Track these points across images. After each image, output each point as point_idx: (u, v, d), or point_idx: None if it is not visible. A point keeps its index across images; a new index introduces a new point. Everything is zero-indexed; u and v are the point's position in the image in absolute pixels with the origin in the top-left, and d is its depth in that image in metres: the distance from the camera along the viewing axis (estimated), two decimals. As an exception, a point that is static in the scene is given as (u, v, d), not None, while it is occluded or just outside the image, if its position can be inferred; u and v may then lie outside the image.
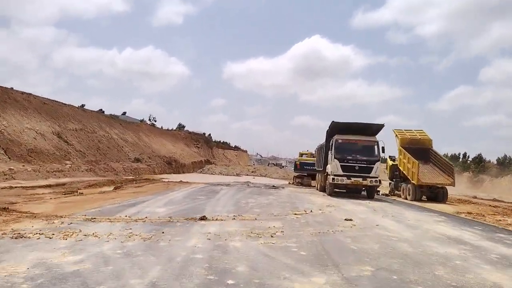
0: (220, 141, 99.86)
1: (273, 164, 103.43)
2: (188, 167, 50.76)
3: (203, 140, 69.67)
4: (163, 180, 32.26)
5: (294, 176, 36.60)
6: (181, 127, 71.69)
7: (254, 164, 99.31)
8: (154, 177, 34.83)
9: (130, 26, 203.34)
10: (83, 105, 45.44)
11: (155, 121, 61.14)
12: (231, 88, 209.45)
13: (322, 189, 25.25)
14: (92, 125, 40.23)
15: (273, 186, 29.92)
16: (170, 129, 67.31)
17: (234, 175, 52.79)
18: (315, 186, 31.71)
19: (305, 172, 33.17)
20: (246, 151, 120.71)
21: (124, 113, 61.23)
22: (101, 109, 45.77)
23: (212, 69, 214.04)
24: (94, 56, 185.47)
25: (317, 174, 28.30)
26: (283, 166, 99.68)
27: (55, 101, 38.07)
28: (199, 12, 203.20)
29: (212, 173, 51.10)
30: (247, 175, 56.64)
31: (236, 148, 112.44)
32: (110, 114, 49.57)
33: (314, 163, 32.29)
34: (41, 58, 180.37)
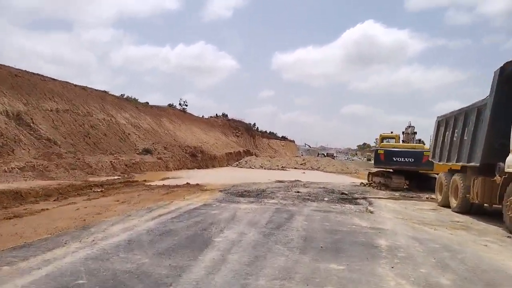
0: (265, 131, 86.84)
1: (323, 154, 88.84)
2: (220, 160, 38.24)
3: (243, 128, 57.12)
4: (163, 181, 19.70)
5: (370, 173, 22.61)
6: (223, 115, 59.38)
7: (302, 155, 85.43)
8: (158, 175, 22.33)
9: (181, 22, 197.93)
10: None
11: (186, 105, 49.20)
12: (280, 79, 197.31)
13: (466, 208, 11.18)
14: (89, 106, 28.51)
15: (344, 193, 16.23)
16: (206, 116, 55.27)
17: (279, 168, 39.42)
18: (411, 192, 17.85)
19: (393, 167, 19.07)
20: (293, 141, 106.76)
21: (171, 105, 49.79)
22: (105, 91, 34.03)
23: (260, 61, 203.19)
24: (149, 54, 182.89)
25: (439, 177, 13.90)
26: (334, 157, 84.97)
27: (35, 73, 26.62)
28: (248, 4, 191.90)
29: (251, 167, 38.12)
30: (295, 168, 43.05)
31: (283, 138, 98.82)
32: (125, 96, 37.89)
33: (413, 153, 18.42)
34: (100, 58, 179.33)
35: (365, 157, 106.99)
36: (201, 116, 53.46)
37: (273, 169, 38.06)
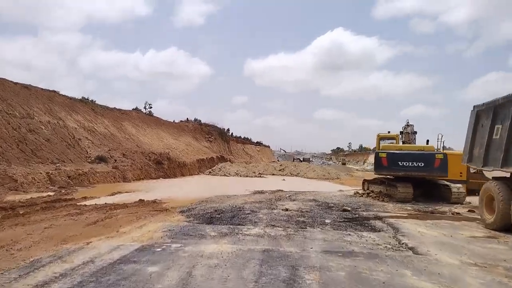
0: (240, 136, 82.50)
1: (299, 159, 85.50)
2: (191, 167, 33.63)
3: (216, 133, 52.55)
4: (112, 198, 15.17)
5: (366, 180, 18.79)
6: (195, 120, 54.24)
7: (278, 160, 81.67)
8: (109, 189, 17.61)
9: (152, 28, 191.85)
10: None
11: (151, 107, 44.15)
12: (253, 85, 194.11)
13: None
14: (30, 107, 23.40)
15: (346, 210, 12.16)
16: (177, 121, 50.36)
17: (256, 175, 35.21)
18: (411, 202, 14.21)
19: (399, 174, 15.22)
20: (269, 146, 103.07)
21: (136, 108, 44.33)
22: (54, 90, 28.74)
23: (233, 67, 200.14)
24: (119, 59, 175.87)
25: (487, 188, 9.82)
26: (310, 161, 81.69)
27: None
28: (220, 11, 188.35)
29: (225, 174, 33.72)
30: (274, 174, 39.02)
31: (258, 143, 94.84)
32: (82, 98, 32.67)
33: (422, 156, 14.83)
34: (68, 63, 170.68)
35: (339, 161, 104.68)
36: (171, 120, 48.64)
37: (249, 177, 33.83)
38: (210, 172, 34.75)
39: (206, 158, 38.84)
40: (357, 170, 64.09)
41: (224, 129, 57.57)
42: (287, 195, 17.05)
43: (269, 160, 74.52)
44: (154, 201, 13.46)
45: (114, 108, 35.83)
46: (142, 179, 24.22)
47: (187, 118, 51.90)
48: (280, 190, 20.94)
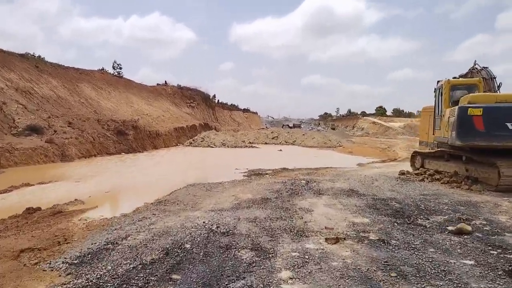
0: (226, 103, 75.08)
1: (288, 125, 79.03)
2: (167, 137, 26.75)
3: (200, 98, 45.08)
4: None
5: (417, 153, 12.32)
6: (178, 86, 45.77)
7: (267, 127, 74.98)
8: (22, 176, 10.75)
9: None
10: None
11: (120, 67, 36.24)
12: (239, 51, 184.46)
13: None
14: None
15: (464, 229, 5.34)
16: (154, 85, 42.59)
17: (246, 145, 28.60)
18: None
19: (508, 142, 8.53)
20: (256, 113, 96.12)
21: (102, 69, 36.06)
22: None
23: (219, 32, 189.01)
24: (100, 26, 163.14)
25: None
26: (301, 127, 75.20)
27: None
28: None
29: (209, 145, 27.02)
30: (266, 143, 32.53)
31: (246, 110, 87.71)
32: (25, 53, 24.86)
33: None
34: (48, 31, 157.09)
35: (328, 127, 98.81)
36: (147, 84, 40.94)
37: (239, 147, 27.26)
38: (191, 143, 27.96)
39: (187, 126, 31.88)
40: (352, 134, 58.13)
41: (208, 94, 50.24)
42: (302, 181, 10.49)
43: (257, 127, 67.80)
44: (58, 212, 6.77)
45: (69, 67, 28.17)
46: (94, 155, 17.41)
47: (165, 81, 44.30)
48: (284, 168, 14.40)
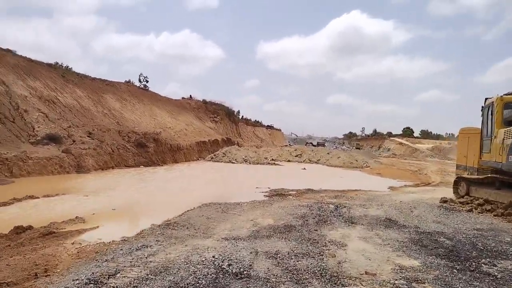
0: (250, 119, 74.43)
1: (311, 144, 77.46)
2: (188, 151, 26.10)
3: (223, 112, 44.63)
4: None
5: (461, 179, 10.86)
6: (203, 101, 45.24)
7: (290, 144, 73.71)
8: (30, 186, 10.09)
9: (166, 10, 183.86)
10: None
11: (147, 81, 36.30)
12: (265, 69, 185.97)
13: None
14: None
15: None
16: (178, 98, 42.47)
17: (268, 162, 27.53)
18: None
19: None
20: (280, 130, 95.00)
21: (128, 81, 36.29)
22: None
23: (246, 50, 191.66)
24: (132, 42, 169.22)
25: None
26: (325, 145, 73.38)
27: None
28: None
29: (230, 161, 26.12)
30: (289, 160, 31.32)
31: (270, 126, 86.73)
32: (55, 62, 25.05)
33: None
34: (82, 46, 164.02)
35: (353, 146, 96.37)
36: (172, 98, 40.85)
37: (261, 164, 26.19)
38: (212, 158, 27.17)
39: (209, 140, 31.21)
40: (379, 155, 55.95)
41: (232, 109, 49.70)
42: (330, 205, 9.29)
43: (281, 144, 66.74)
44: (50, 233, 5.90)
45: (96, 78, 28.21)
46: (111, 167, 16.81)
47: (190, 95, 44.14)
48: (309, 189, 13.20)
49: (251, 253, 5.02)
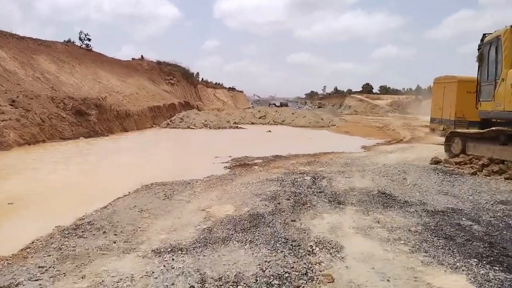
0: (211, 81, 70.74)
1: (274, 104, 75.57)
2: (140, 118, 23.24)
3: (180, 74, 41.10)
4: None
5: (454, 133, 9.04)
6: (161, 63, 40.85)
7: (253, 106, 71.40)
8: None
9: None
10: None
11: (89, 39, 31.87)
12: (224, 28, 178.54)
13: None
14: None
15: None
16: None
17: (231, 126, 25.34)
18: None
19: None
20: (242, 92, 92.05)
21: (68, 41, 31.19)
22: None
23: (203, 8, 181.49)
24: (79, 2, 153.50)
25: None
26: (288, 106, 71.83)
27: None
28: None
29: (189, 126, 23.63)
30: (253, 123, 29.28)
31: (232, 88, 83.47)
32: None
33: None
34: (23, 7, 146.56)
35: (315, 105, 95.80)
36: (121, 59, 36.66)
37: (222, 128, 23.96)
38: (168, 124, 24.46)
39: (164, 105, 28.28)
40: (341, 112, 55.20)
41: (189, 69, 46.01)
42: (305, 176, 7.36)
43: (244, 106, 64.23)
44: None
45: (25, 37, 23.99)
46: (42, 141, 13.89)
47: (142, 56, 40.00)
48: (277, 156, 11.24)
49: (195, 280, 2.95)
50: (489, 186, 6.18)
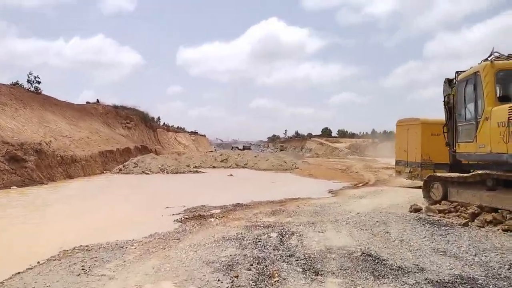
0: (173, 125, 69.15)
1: (237, 148, 74.67)
2: (88, 164, 21.04)
3: (138, 118, 39.22)
4: None
5: (434, 177, 8.03)
6: (118, 106, 38.70)
7: (216, 150, 70.02)
8: None
9: (76, 14, 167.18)
10: None
11: (39, 82, 29.65)
12: (186, 75, 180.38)
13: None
14: None
15: None
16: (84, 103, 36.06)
17: (190, 170, 23.67)
18: None
19: None
20: (205, 136, 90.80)
21: (15, 83, 28.53)
22: None
23: (166, 56, 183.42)
24: (39, 47, 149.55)
25: None
26: (251, 149, 71.11)
27: None
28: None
29: (144, 171, 21.67)
30: (214, 167, 27.80)
31: (194, 132, 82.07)
32: None
33: None
34: None
35: (277, 148, 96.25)
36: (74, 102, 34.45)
37: (181, 173, 22.24)
38: (120, 170, 22.35)
39: (118, 149, 26.22)
40: (302, 155, 55.00)
41: (148, 113, 44.25)
42: (271, 233, 5.97)
43: (206, 150, 62.63)
44: None
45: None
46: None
47: (97, 100, 37.99)
48: (237, 204, 9.80)
49: None
50: (491, 242, 5.10)
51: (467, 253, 4.67)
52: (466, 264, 4.27)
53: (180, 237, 5.99)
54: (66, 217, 8.51)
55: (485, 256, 4.53)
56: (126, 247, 5.42)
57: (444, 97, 9.15)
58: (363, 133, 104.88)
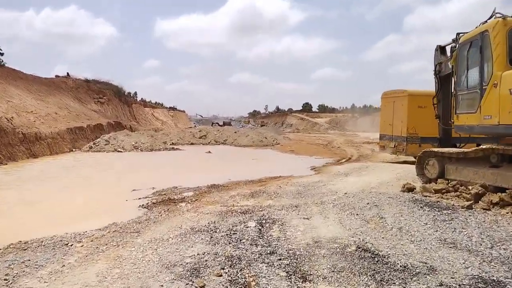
0: (150, 101, 66.77)
1: (218, 123, 73.21)
2: (55, 141, 19.53)
3: (112, 93, 37.07)
4: None
5: (430, 153, 7.20)
6: (90, 80, 36.28)
7: (195, 126, 68.34)
8: None
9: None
10: None
11: (1, 54, 27.36)
12: (164, 48, 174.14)
13: None
14: None
15: None
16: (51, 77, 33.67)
17: (166, 147, 22.46)
18: None
19: None
20: (184, 111, 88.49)
21: None
22: None
23: (142, 28, 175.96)
24: (7, 19, 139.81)
25: None
26: (231, 125, 69.79)
27: None
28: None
29: (116, 149, 20.35)
30: (192, 143, 26.66)
31: (172, 108, 79.69)
32: None
33: None
34: None
35: (258, 124, 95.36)
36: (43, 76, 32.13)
37: (156, 150, 21.05)
38: (91, 148, 20.89)
39: (89, 125, 24.58)
40: (283, 130, 54.31)
41: (122, 88, 41.99)
42: (249, 222, 5.07)
43: (185, 126, 60.97)
44: None
45: None
46: None
47: (68, 73, 35.62)
48: (213, 185, 8.86)
49: None
50: (505, 229, 4.35)
51: (481, 245, 3.91)
52: (484, 261, 3.49)
53: (140, 229, 5.01)
54: (12, 205, 7.35)
55: (504, 249, 3.77)
56: (71, 244, 4.41)
57: (435, 65, 8.34)
58: (343, 107, 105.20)
